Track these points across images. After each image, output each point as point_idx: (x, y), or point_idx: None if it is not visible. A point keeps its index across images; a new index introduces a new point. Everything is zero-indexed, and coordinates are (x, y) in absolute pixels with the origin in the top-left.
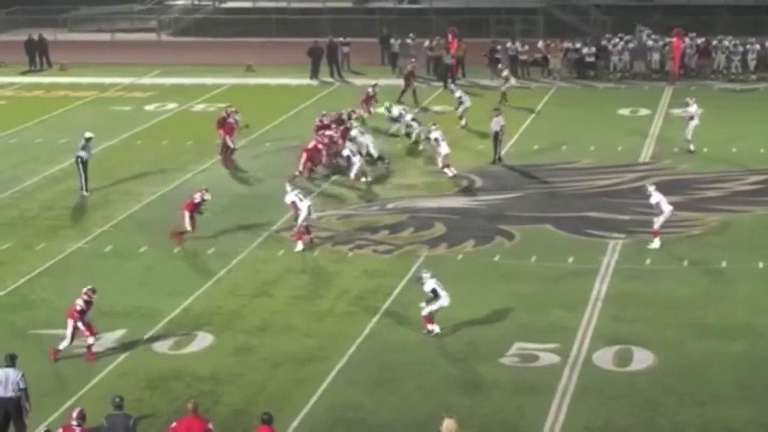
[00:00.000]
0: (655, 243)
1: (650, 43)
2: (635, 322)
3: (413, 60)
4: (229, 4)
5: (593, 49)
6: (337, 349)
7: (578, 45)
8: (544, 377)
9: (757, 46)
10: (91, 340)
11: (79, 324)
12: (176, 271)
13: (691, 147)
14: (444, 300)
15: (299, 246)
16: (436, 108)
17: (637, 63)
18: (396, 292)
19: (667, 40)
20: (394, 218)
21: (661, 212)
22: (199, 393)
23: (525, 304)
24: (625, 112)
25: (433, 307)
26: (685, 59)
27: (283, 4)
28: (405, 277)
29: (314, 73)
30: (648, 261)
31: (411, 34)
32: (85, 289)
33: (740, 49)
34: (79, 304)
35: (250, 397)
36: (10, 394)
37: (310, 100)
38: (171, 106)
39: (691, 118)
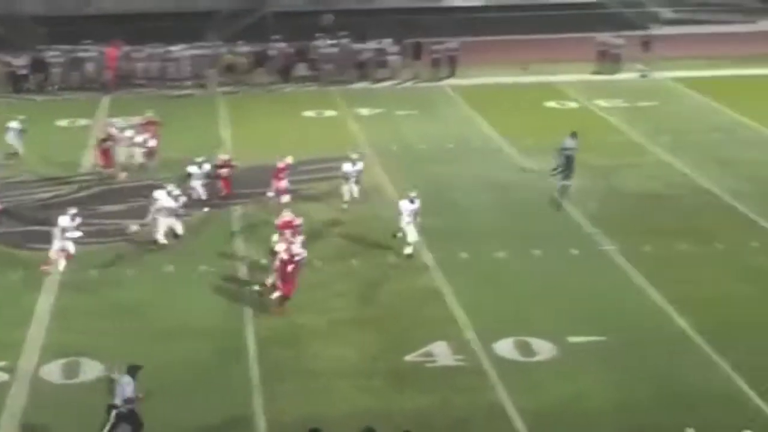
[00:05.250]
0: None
1: (84, 53)
2: (83, 333)
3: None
4: None
5: (25, 62)
6: None
7: (9, 58)
8: None
9: (161, 50)
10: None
11: None
12: None
13: None
14: None
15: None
16: None
17: (73, 74)
18: None
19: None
20: None
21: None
22: None
23: None
24: (63, 123)
25: None
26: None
27: None
28: None
29: None
30: (95, 272)
31: None
32: None
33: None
34: None
35: None
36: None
37: None
38: None
39: None
